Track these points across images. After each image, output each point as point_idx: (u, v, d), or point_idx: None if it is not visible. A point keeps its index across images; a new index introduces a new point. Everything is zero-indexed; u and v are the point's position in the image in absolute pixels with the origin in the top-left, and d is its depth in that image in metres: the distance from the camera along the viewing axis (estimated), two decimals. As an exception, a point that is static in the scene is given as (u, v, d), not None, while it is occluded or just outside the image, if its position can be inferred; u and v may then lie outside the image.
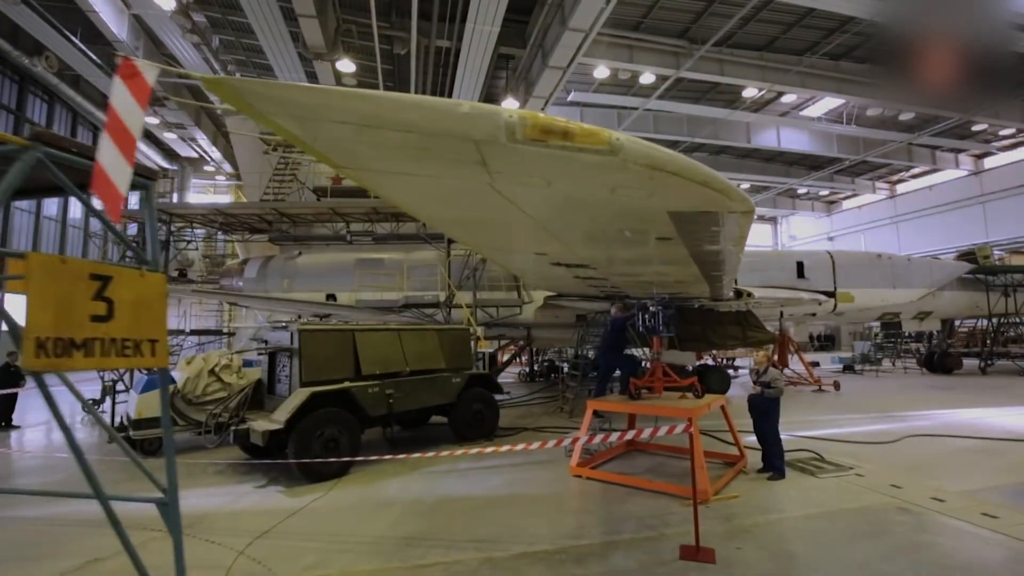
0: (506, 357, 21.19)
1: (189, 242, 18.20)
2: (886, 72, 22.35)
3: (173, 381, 8.83)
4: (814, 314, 18.16)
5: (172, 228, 16.15)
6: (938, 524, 5.45)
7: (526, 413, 13.11)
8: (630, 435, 5.26)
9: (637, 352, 14.61)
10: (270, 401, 8.44)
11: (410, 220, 16.01)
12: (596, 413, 8.00)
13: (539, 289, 11.29)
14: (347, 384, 7.96)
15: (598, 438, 6.12)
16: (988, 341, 20.39)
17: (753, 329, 14.74)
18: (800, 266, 17.61)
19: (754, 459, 7.71)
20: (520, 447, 6.24)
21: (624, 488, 6.72)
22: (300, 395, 7.37)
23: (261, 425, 7.23)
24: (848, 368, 22.12)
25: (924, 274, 18.15)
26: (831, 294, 17.43)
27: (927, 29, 18.74)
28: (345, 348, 8.30)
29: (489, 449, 6.48)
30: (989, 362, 20.44)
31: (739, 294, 14.14)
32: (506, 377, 23.02)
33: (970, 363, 21.40)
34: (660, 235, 5.03)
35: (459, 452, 6.98)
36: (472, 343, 11.82)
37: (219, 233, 18.67)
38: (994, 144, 29.73)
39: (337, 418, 7.60)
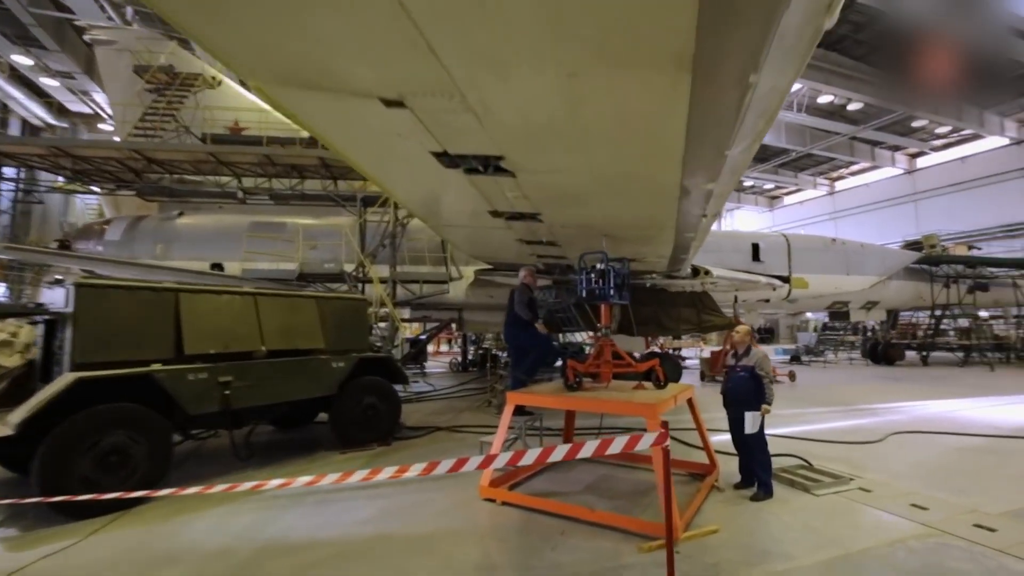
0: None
1: (28, 192, 14.44)
2: (849, 58, 21.62)
3: None
4: (768, 300, 16.96)
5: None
6: (1012, 574, 3.64)
7: (446, 408, 10.79)
8: (560, 454, 3.08)
9: (580, 337, 12.73)
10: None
11: (314, 176, 13.22)
12: (520, 410, 5.80)
13: (472, 256, 9.08)
14: (152, 368, 5.31)
15: (531, 455, 3.89)
16: (931, 332, 20.11)
17: (709, 313, 13.16)
18: (756, 248, 16.34)
19: (728, 468, 5.82)
20: (414, 470, 3.94)
21: (556, 520, 4.57)
22: (58, 383, 4.70)
23: (-17, 431, 4.50)
24: (795, 359, 21.38)
25: (876, 261, 17.39)
26: (786, 279, 16.28)
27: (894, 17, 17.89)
28: (159, 316, 5.63)
29: (324, 479, 4.10)
30: (927, 353, 20.20)
31: (696, 272, 12.49)
32: (436, 367, 20.61)
33: (910, 354, 21.20)
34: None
35: (303, 479, 4.55)
36: (371, 318, 9.38)
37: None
38: (929, 144, 30.34)
39: (129, 419, 4.99)
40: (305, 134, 14.07)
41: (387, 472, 3.35)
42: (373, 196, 13.13)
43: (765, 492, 5.16)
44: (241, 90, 16.55)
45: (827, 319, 27.89)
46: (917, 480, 5.74)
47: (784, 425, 8.26)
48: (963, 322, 20.59)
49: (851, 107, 25.14)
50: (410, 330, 22.61)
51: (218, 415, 5.78)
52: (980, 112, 25.88)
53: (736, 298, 16.08)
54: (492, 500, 5.00)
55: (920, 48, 20.45)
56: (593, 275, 5.58)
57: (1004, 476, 5.95)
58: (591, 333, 12.23)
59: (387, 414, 7.48)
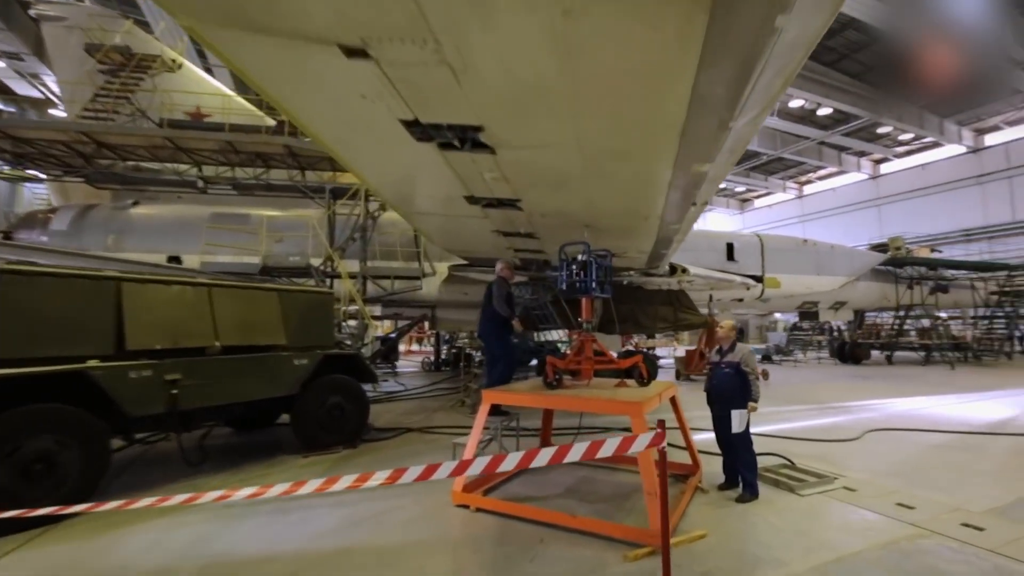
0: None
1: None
2: (820, 63, 22.03)
3: None
4: (741, 300, 17.09)
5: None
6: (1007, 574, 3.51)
7: (418, 408, 10.37)
8: (544, 459, 2.75)
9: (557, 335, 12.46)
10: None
11: (280, 165, 12.59)
12: (496, 409, 5.47)
13: (446, 250, 8.65)
14: (87, 365, 4.77)
15: (510, 461, 3.57)
16: (896, 332, 20.65)
17: (685, 311, 13.10)
18: (730, 248, 16.42)
19: (710, 468, 5.62)
20: (376, 479, 3.55)
21: (534, 527, 4.25)
22: (-31, 382, 4.13)
23: None
24: (766, 358, 21.66)
25: (845, 262, 17.71)
26: (759, 279, 16.42)
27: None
28: (98, 308, 5.07)
29: (287, 489, 3.67)
30: (891, 353, 20.73)
31: (673, 270, 12.40)
32: (408, 366, 20.08)
33: (875, 354, 21.72)
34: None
35: (273, 490, 4.14)
36: (339, 313, 8.90)
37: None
38: (893, 151, 31.34)
39: (57, 422, 4.45)
40: (272, 122, 13.43)
41: (344, 482, 2.95)
42: (343, 187, 12.60)
43: (751, 493, 4.96)
44: (204, 75, 15.72)
45: (796, 319, 28.50)
46: (898, 478, 5.65)
47: (763, 423, 8.15)
48: (924, 323, 21.22)
49: (821, 112, 25.69)
50: (381, 328, 22.01)
51: (164, 417, 5.25)
52: (940, 121, 26.84)
53: (711, 297, 16.13)
54: (465, 506, 4.64)
55: (889, 57, 21.03)
56: (575, 267, 5.30)
57: (980, 472, 5.92)
58: (568, 331, 11.98)
59: (354, 415, 7.03)
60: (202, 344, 5.77)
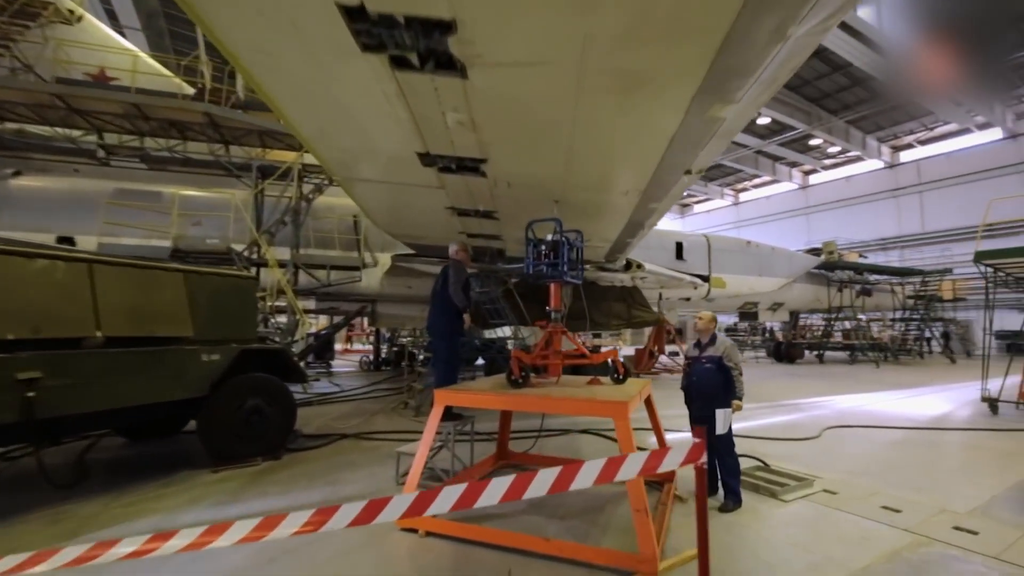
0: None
1: None
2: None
3: None
4: (688, 299, 17.19)
5: None
6: (1027, 590, 3.17)
7: (355, 411, 9.33)
8: (541, 488, 2.04)
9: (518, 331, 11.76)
10: None
11: (199, 137, 11.08)
12: (449, 412, 4.68)
13: (391, 233, 7.66)
14: None
15: (494, 492, 2.82)
16: (827, 333, 21.67)
17: (639, 308, 12.84)
18: (679, 247, 16.45)
19: (685, 473, 5.11)
20: (287, 526, 2.71)
21: (500, 554, 3.51)
22: None
23: None
24: (708, 358, 22.07)
25: (785, 264, 18.28)
26: (706, 279, 16.57)
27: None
28: (-83, 282, 3.81)
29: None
30: (822, 352, 21.75)
31: (628, 265, 12.07)
32: (344, 366, 18.70)
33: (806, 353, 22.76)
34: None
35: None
36: (264, 303, 7.76)
37: None
38: (822, 162, 33.29)
39: None
40: (191, 90, 11.86)
41: (235, 533, 2.06)
42: (272, 165, 11.30)
43: (734, 502, 4.48)
44: (110, 31, 13.73)
45: (733, 320, 29.51)
46: (872, 477, 5.41)
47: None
48: (848, 324, 22.45)
49: (760, 121, 26.70)
50: (316, 324, 20.41)
51: (15, 427, 4.04)
52: (863, 136, 28.73)
53: (660, 295, 16.09)
54: (413, 531, 3.82)
55: (822, 72, 22.09)
56: (543, 247, 4.62)
57: (946, 469, 5.83)
58: (522, 327, 11.34)
59: (278, 420, 5.98)
60: (77, 334, 4.57)
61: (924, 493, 4.91)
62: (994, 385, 9.90)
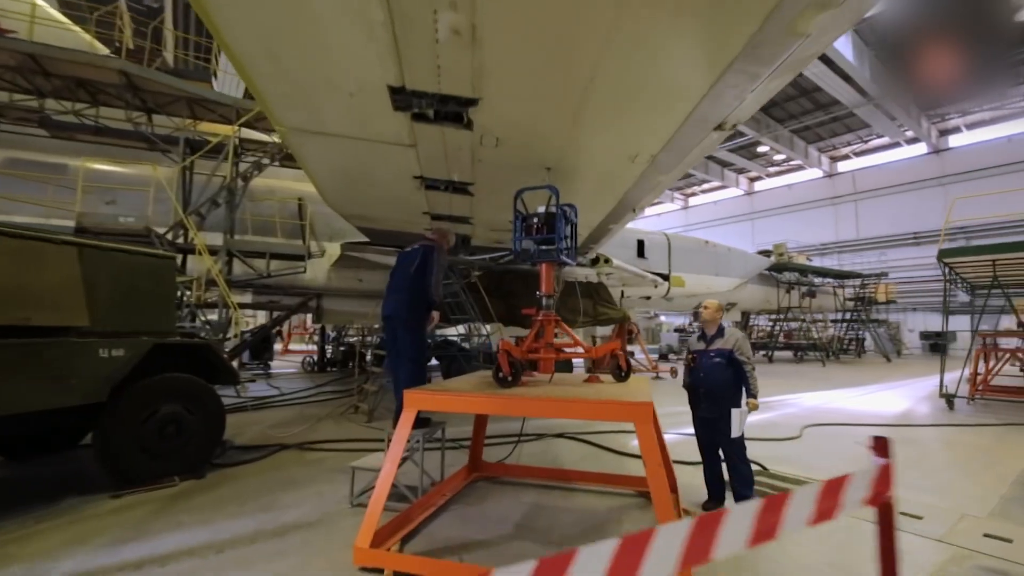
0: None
1: None
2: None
3: None
4: (649, 297, 17.01)
5: None
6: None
7: (297, 417, 8.22)
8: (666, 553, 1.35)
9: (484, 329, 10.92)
10: None
11: (115, 102, 9.55)
12: (421, 419, 3.85)
13: (343, 214, 6.64)
14: None
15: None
16: (776, 333, 22.26)
17: (604, 304, 12.37)
18: (641, 245, 16.24)
19: (688, 483, 4.56)
20: None
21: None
22: None
23: None
24: (663, 357, 22.18)
25: (739, 265, 18.52)
26: (666, 277, 16.46)
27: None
28: None
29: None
30: (771, 352, 22.33)
31: (596, 260, 11.60)
32: (284, 367, 17.18)
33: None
34: None
35: None
36: (190, 287, 6.59)
37: None
38: (767, 170, 34.63)
39: None
40: (105, 50, 10.27)
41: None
42: (202, 138, 9.97)
43: (749, 514, 3.92)
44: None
45: (682, 322, 30.02)
46: (873, 481, 5.04)
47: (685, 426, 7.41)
48: (793, 324, 23.21)
49: (712, 126, 27.25)
50: (253, 321, 18.68)
51: None
52: (806, 146, 30.05)
53: (623, 294, 15.78)
54: (377, 571, 2.98)
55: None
56: (536, 220, 3.89)
57: (939, 468, 5.61)
58: (484, 325, 10.56)
59: (201, 430, 4.91)
60: (-88, 320, 3.40)
61: (933, 495, 4.60)
62: (932, 382, 10.14)
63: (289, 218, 10.65)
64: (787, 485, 4.63)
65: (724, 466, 4.20)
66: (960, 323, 26.33)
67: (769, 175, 35.37)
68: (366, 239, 9.39)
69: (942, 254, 8.90)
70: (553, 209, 3.84)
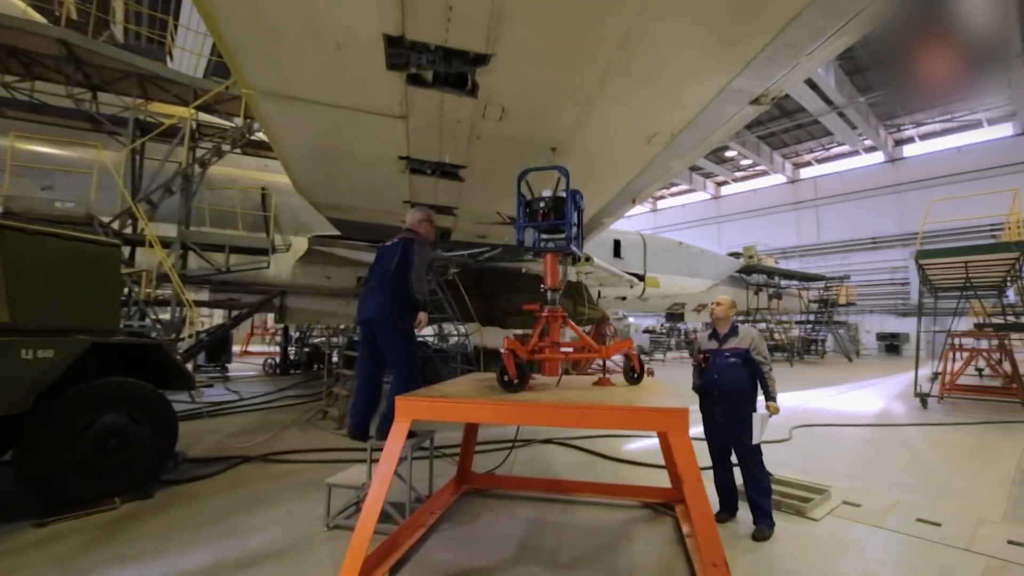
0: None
1: None
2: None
3: None
4: (624, 298, 16.91)
5: None
6: None
7: (260, 424, 7.54)
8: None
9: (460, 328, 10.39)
10: None
11: (55, 77, 8.60)
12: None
13: (315, 202, 6.01)
14: None
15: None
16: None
17: (584, 305, 12.10)
18: (617, 245, 16.15)
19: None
20: None
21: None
22: None
23: None
24: (636, 358, 22.14)
25: (712, 266, 18.67)
26: (641, 277, 16.39)
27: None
28: None
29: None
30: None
31: (575, 259, 11.29)
32: (244, 369, 16.17)
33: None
34: None
35: None
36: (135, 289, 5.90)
37: None
38: (733, 174, 35.39)
39: None
40: (41, 19, 9.26)
41: None
42: (154, 120, 9.15)
43: (768, 525, 3.64)
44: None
45: (651, 323, 30.29)
46: (877, 483, 4.90)
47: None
48: (761, 326, 23.64)
49: (683, 129, 27.58)
50: (210, 320, 17.48)
51: None
52: (771, 152, 30.84)
53: (599, 293, 15.60)
54: (367, 612, 2.50)
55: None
56: (543, 205, 3.49)
57: (932, 469, 5.51)
58: (463, 325, 10.10)
59: (149, 442, 4.27)
60: None
61: (944, 499, 4.46)
62: (903, 380, 10.30)
63: (252, 209, 9.89)
64: (799, 492, 4.37)
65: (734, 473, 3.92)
66: (910, 325, 27.67)
67: (736, 179, 36.17)
68: (336, 232, 8.78)
69: (920, 255, 9.02)
70: (562, 193, 3.45)
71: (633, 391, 3.24)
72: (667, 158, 3.87)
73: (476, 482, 4.49)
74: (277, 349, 17.44)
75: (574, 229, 3.59)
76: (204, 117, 9.55)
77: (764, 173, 33.97)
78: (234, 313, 12.30)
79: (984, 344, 10.42)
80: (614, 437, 6.59)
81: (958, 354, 10.31)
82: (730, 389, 3.82)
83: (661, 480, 4.84)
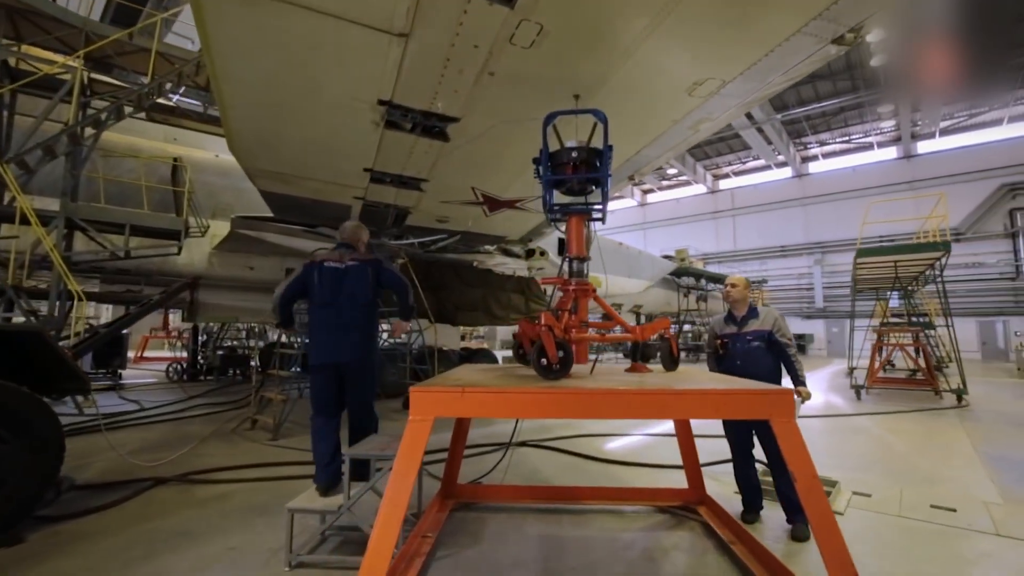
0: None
1: None
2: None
3: None
4: (567, 297, 16.70)
5: None
6: None
7: (172, 437, 6.23)
8: None
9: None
10: None
11: None
12: (359, 463, 2.69)
13: (257, 168, 4.85)
14: None
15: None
16: (675, 334, 23.40)
17: (535, 300, 11.68)
18: (562, 243, 15.85)
19: (716, 493, 3.83)
20: None
21: None
22: None
23: None
24: (574, 360, 22.16)
25: (649, 267, 19.07)
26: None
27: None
28: None
29: None
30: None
31: (531, 252, 10.83)
32: (141, 376, 13.96)
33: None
34: None
35: None
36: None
37: None
38: (659, 183, 36.92)
39: None
40: None
41: None
42: (32, 68, 7.49)
43: (806, 523, 3.29)
44: None
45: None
46: (871, 472, 4.82)
47: (651, 424, 6.90)
48: (688, 326, 24.67)
49: (616, 136, 28.26)
50: (96, 321, 14.81)
51: None
52: (695, 163, 32.52)
53: (545, 290, 15.26)
54: None
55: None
56: (575, 156, 2.92)
57: (908, 454, 5.56)
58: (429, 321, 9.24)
59: (21, 465, 3.12)
60: None
61: (941, 485, 4.45)
62: (823, 375, 10.90)
63: (160, 183, 8.39)
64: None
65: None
66: (814, 327, 30.31)
67: (661, 188, 37.80)
68: (266, 214, 7.61)
69: (859, 253, 9.53)
70: (597, 145, 2.89)
71: (677, 377, 2.74)
72: (699, 117, 3.45)
73: (464, 495, 3.79)
74: (184, 354, 15.30)
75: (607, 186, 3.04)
76: (103, 79, 7.98)
77: (687, 183, 35.77)
78: (131, 308, 10.44)
79: (906, 339, 11.25)
80: (594, 437, 6.14)
81: (884, 349, 11.06)
82: (755, 376, 3.44)
83: (662, 480, 4.45)
